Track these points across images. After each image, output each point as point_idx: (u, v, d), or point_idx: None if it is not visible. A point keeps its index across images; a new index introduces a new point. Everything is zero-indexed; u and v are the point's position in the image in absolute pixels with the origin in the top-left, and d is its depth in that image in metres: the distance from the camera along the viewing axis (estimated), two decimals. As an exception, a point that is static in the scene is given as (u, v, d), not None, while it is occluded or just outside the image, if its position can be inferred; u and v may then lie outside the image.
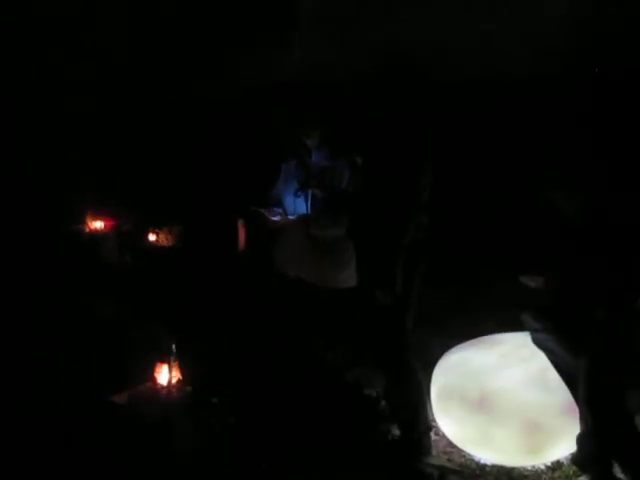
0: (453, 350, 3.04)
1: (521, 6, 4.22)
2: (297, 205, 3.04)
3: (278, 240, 3.12)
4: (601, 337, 2.45)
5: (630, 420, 2.42)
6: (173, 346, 2.76)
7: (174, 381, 2.75)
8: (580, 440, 2.47)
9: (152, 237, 5.88)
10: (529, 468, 2.65)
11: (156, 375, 2.79)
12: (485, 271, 3.94)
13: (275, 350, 2.95)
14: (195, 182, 5.20)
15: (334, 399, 2.87)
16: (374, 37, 4.26)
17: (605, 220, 2.49)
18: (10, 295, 4.53)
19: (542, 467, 2.66)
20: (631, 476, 2.35)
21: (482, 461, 2.72)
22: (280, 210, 3.06)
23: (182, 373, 2.79)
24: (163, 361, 2.78)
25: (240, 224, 3.93)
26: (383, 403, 3.06)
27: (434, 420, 2.91)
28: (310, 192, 3.04)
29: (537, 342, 2.71)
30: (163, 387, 2.76)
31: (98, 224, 5.94)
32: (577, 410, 2.48)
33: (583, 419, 2.45)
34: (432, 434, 2.88)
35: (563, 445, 2.58)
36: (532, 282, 2.75)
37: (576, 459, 2.52)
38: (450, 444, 2.84)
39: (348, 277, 2.96)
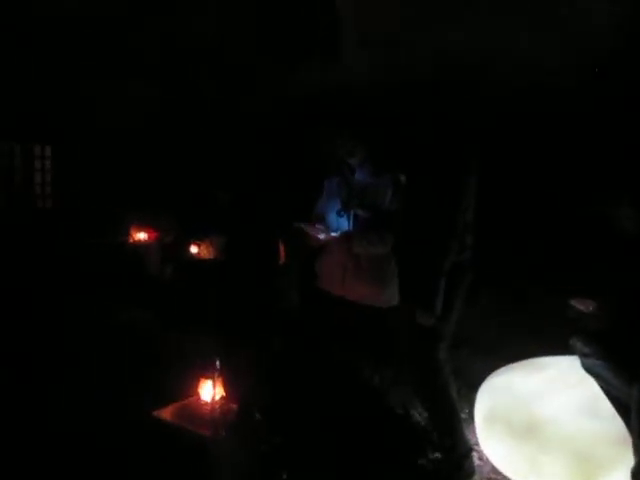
0: (498, 372, 2.98)
1: (567, 19, 4.16)
2: (340, 223, 3.03)
3: (321, 258, 3.11)
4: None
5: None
6: (217, 362, 2.76)
7: (218, 398, 2.75)
8: (635, 473, 2.37)
9: (194, 249, 5.98)
10: (578, 499, 2.55)
11: (199, 391, 2.80)
12: (533, 291, 3.86)
13: (321, 369, 2.93)
14: (238, 196, 5.25)
15: (376, 420, 2.83)
16: (417, 53, 4.24)
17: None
18: (55, 306, 4.65)
19: (592, 499, 2.56)
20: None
21: (528, 490, 2.64)
22: (323, 227, 3.05)
23: (226, 389, 2.79)
24: (207, 376, 2.79)
25: (281, 240, 3.96)
26: (423, 424, 3.01)
27: (478, 444, 2.86)
28: (353, 211, 3.02)
29: (587, 367, 2.62)
30: (207, 403, 2.76)
31: (142, 236, 6.07)
32: (630, 441, 2.38)
33: (637, 451, 2.36)
34: (476, 458, 2.83)
35: (615, 478, 2.48)
36: (583, 306, 2.67)
37: (630, 493, 2.42)
38: (495, 470, 2.78)
39: (391, 296, 2.93)
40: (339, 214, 3.04)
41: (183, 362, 3.22)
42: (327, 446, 2.60)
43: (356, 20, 4.59)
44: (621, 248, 2.51)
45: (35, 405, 3.15)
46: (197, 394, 2.82)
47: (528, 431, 2.60)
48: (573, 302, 2.69)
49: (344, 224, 3.02)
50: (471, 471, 2.73)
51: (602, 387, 2.55)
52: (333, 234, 2.99)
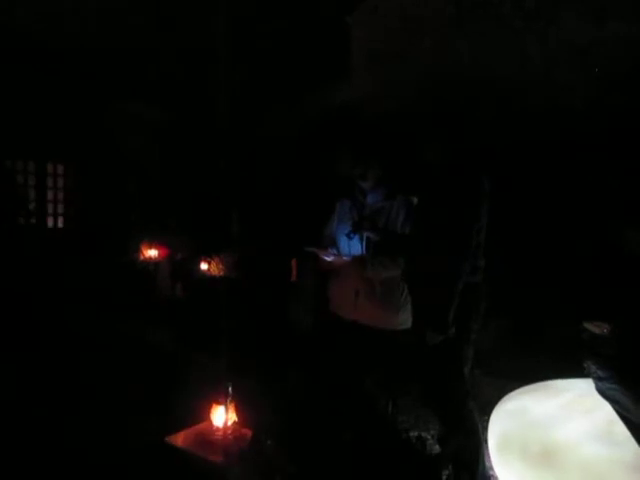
0: (511, 395, 2.94)
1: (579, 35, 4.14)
2: (352, 246, 3.02)
3: (333, 282, 3.10)
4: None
5: None
6: (229, 387, 2.75)
7: (230, 423, 2.74)
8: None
9: (204, 266, 6.00)
10: (595, 527, 2.51)
11: (212, 416, 2.79)
12: (547, 313, 3.82)
13: (335, 397, 2.91)
14: (249, 216, 5.27)
15: (392, 447, 2.81)
16: (427, 71, 4.25)
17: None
18: (66, 324, 4.67)
19: (609, 527, 2.52)
20: None
21: (544, 517, 2.60)
22: (335, 251, 3.04)
23: (239, 415, 2.77)
24: (219, 402, 2.77)
25: (293, 261, 3.96)
26: (439, 450, 2.99)
27: (492, 469, 2.83)
28: (364, 234, 3.01)
29: (602, 392, 2.59)
30: (219, 429, 2.75)
31: (152, 253, 6.10)
32: (647, 467, 2.35)
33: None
34: (490, 483, 2.80)
35: (632, 504, 2.45)
36: (597, 328, 2.65)
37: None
38: (510, 496, 2.74)
39: (404, 319, 2.92)
40: (348, 236, 3.03)
41: (195, 386, 3.21)
42: (342, 475, 2.57)
43: (367, 38, 4.61)
44: (635, 271, 2.49)
45: (45, 429, 3.14)
46: (209, 419, 2.81)
47: (543, 457, 2.56)
48: (587, 325, 2.67)
49: (356, 247, 3.01)
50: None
51: (617, 411, 2.52)
52: (345, 258, 2.99)
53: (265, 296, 4.54)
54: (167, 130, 5.88)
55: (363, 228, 3.01)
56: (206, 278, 5.86)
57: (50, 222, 6.74)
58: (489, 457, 2.83)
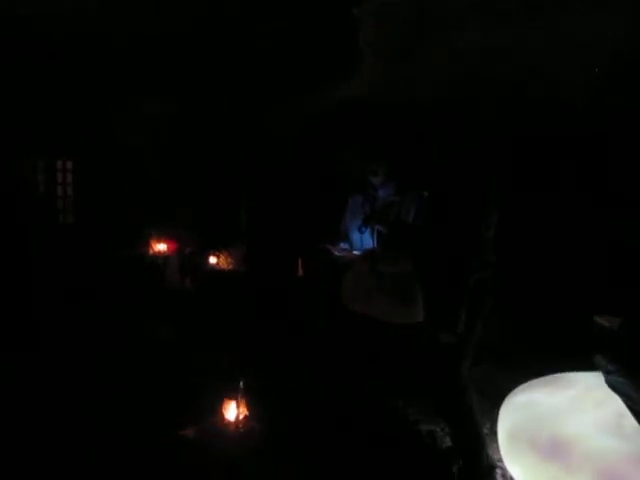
0: (521, 388, 2.95)
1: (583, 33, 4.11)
2: (364, 240, 3.04)
3: (345, 276, 3.12)
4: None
5: None
6: (241, 382, 2.78)
7: (241, 417, 2.77)
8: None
9: (213, 260, 6.02)
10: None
11: (223, 411, 2.82)
12: (557, 307, 3.82)
13: (345, 389, 2.93)
14: (260, 210, 5.28)
15: (401, 440, 2.83)
16: (435, 67, 4.23)
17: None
18: (76, 320, 4.70)
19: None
20: None
21: (553, 509, 2.62)
22: (346, 246, 3.06)
23: (250, 409, 2.80)
24: (231, 397, 2.80)
25: (300, 256, 3.97)
26: (445, 441, 3.01)
27: (501, 460, 2.84)
28: (375, 228, 3.03)
29: (612, 385, 2.59)
30: (230, 423, 2.78)
31: (161, 247, 6.13)
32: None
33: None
34: (499, 476, 2.82)
35: (641, 497, 2.46)
36: (608, 322, 2.66)
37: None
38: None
39: (415, 312, 2.93)
40: (360, 230, 3.06)
41: (206, 381, 3.23)
42: (352, 469, 2.60)
43: (374, 34, 4.59)
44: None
45: (58, 423, 3.17)
46: (221, 414, 2.83)
47: (552, 449, 2.57)
48: (597, 319, 2.68)
49: (368, 242, 3.03)
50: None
51: (626, 404, 2.52)
52: (356, 252, 3.01)
53: (273, 291, 4.55)
54: (173, 124, 5.88)
55: (374, 222, 3.03)
56: (215, 272, 5.88)
57: (61, 218, 6.79)
58: (497, 449, 2.85)
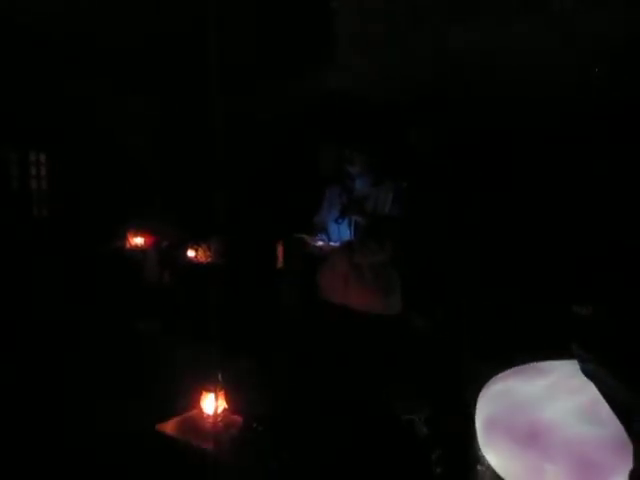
0: (498, 377, 2.98)
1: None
2: (341, 232, 3.04)
3: (322, 268, 3.11)
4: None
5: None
6: (219, 374, 2.75)
7: (220, 410, 2.75)
8: (633, 478, 2.39)
9: (191, 253, 5.96)
10: (580, 504, 2.57)
11: (202, 404, 2.79)
12: (534, 295, 3.85)
13: (325, 380, 2.92)
14: (237, 202, 5.23)
15: (384, 430, 2.83)
16: (414, 55, 4.20)
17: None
18: (50, 313, 4.63)
19: (593, 504, 2.57)
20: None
21: (531, 496, 2.64)
22: (324, 237, 3.05)
23: (229, 402, 2.78)
24: (209, 389, 2.78)
25: (279, 246, 3.94)
26: (427, 432, 3.02)
27: (479, 450, 2.87)
28: (353, 219, 3.03)
29: (587, 372, 2.63)
30: (209, 416, 2.75)
31: (139, 241, 6.05)
32: (630, 445, 2.40)
33: (636, 455, 2.37)
34: (478, 465, 2.84)
35: (616, 482, 2.50)
36: (584, 310, 2.69)
37: (628, 497, 2.43)
38: (497, 477, 2.78)
39: (394, 303, 2.94)
40: (337, 221, 3.05)
41: (184, 373, 3.21)
42: (334, 460, 2.59)
43: (352, 20, 4.56)
44: (622, 254, 2.53)
45: (35, 418, 3.13)
46: (199, 407, 2.81)
47: (529, 437, 2.60)
48: (575, 307, 2.71)
49: (345, 233, 3.03)
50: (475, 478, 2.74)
51: (602, 391, 2.56)
52: (333, 244, 3.00)
53: (252, 282, 4.52)
54: (150, 116, 5.81)
55: (351, 212, 3.03)
56: (193, 265, 5.83)
57: (35, 211, 6.67)
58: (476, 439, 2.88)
